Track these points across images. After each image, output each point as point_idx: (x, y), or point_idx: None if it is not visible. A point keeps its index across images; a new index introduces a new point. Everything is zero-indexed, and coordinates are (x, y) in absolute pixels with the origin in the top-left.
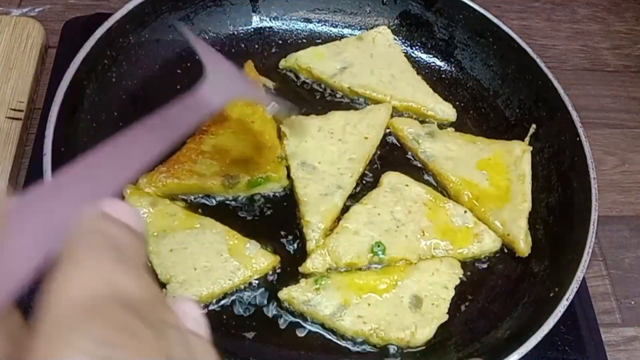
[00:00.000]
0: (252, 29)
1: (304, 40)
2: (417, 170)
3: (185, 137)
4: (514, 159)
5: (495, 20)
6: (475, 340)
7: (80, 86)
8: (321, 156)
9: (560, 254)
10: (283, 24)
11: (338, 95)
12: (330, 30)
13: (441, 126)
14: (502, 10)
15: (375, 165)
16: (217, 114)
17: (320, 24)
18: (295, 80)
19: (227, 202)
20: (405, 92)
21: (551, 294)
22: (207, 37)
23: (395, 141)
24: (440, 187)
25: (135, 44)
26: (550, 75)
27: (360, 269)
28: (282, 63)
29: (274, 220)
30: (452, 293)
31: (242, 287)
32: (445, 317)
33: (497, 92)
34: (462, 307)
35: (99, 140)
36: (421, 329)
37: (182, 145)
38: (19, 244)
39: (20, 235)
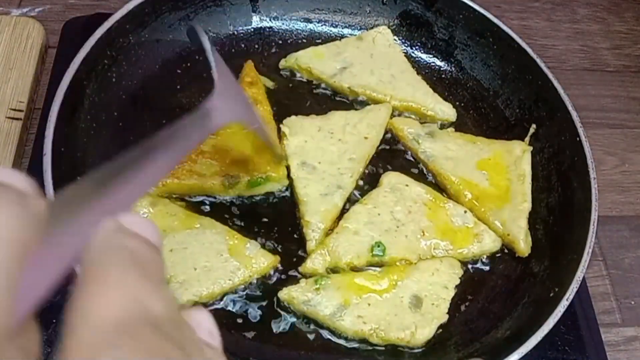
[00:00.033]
0: (252, 29)
1: (304, 40)
2: (417, 170)
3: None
4: (514, 159)
5: (495, 20)
6: (475, 340)
7: (80, 86)
8: (321, 156)
9: (560, 254)
10: (283, 24)
11: (338, 95)
12: (330, 30)
13: (441, 126)
14: (502, 10)
15: (375, 165)
16: None
17: (320, 24)
18: (295, 80)
19: (227, 202)
20: (405, 92)
21: (551, 294)
22: (207, 37)
23: (395, 141)
24: (440, 187)
25: (135, 44)
26: (550, 75)
27: (360, 269)
28: (282, 63)
29: (274, 220)
30: (452, 293)
31: (242, 287)
32: (445, 317)
33: (497, 92)
34: (462, 307)
35: (99, 140)
36: (421, 329)
37: None
38: (46, 252)
39: (48, 245)
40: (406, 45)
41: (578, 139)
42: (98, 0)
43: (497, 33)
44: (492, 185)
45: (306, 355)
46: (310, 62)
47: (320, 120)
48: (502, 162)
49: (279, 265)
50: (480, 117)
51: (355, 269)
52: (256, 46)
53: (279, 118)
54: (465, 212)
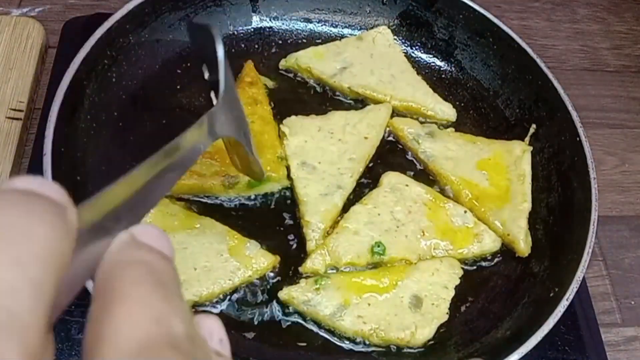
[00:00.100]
0: (252, 29)
1: (304, 40)
2: (417, 170)
3: None
4: (514, 159)
5: (495, 20)
6: (475, 340)
7: (80, 86)
8: (321, 156)
9: (560, 254)
10: (283, 24)
11: (338, 95)
12: (330, 30)
13: (441, 126)
14: (502, 10)
15: (375, 165)
16: None
17: (320, 24)
18: (295, 80)
19: (227, 202)
20: (405, 92)
21: (551, 294)
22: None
23: (395, 141)
24: (440, 187)
25: (135, 44)
26: (550, 75)
27: (360, 269)
28: (282, 63)
29: (274, 221)
30: (452, 293)
31: (242, 287)
32: (445, 317)
33: (497, 92)
34: (462, 307)
35: (99, 140)
36: (421, 329)
37: None
38: (74, 266)
39: (76, 258)
40: (406, 45)
41: (578, 139)
42: (98, 0)
43: (497, 33)
44: (492, 185)
45: (306, 355)
46: (310, 62)
47: (320, 120)
48: (502, 162)
49: (279, 265)
50: (480, 117)
51: (355, 269)
52: (256, 46)
53: (279, 118)
54: (465, 212)
